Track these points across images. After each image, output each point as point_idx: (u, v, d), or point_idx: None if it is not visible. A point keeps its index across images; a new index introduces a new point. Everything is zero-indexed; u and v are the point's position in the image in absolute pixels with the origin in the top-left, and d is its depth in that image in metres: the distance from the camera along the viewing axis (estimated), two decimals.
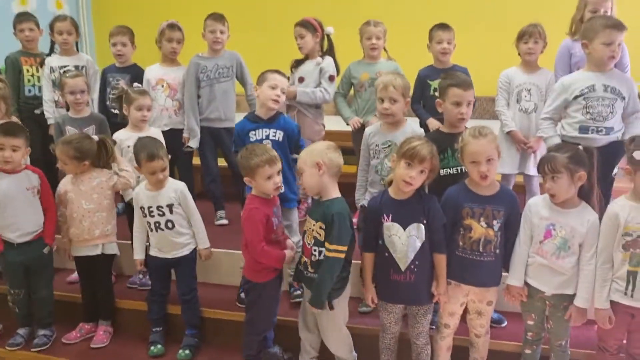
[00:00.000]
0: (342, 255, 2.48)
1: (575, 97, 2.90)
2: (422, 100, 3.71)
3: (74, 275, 3.56)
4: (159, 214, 2.96)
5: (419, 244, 2.49)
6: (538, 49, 3.44)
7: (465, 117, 2.73)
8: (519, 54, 3.55)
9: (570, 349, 2.62)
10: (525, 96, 3.45)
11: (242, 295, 3.24)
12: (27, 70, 4.08)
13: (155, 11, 5.53)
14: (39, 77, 4.07)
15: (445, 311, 2.63)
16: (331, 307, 2.57)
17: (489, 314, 2.64)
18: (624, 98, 2.87)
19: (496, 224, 2.49)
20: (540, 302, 2.55)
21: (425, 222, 2.50)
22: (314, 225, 2.55)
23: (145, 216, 2.97)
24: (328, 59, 3.73)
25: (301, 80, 3.72)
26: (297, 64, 3.78)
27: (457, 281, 2.56)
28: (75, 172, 3.09)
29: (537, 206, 2.50)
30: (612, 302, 2.41)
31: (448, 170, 2.74)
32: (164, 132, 3.64)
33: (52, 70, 4.01)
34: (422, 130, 3.10)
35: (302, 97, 3.63)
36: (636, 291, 2.35)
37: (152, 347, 3.12)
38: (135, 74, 4.01)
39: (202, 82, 3.84)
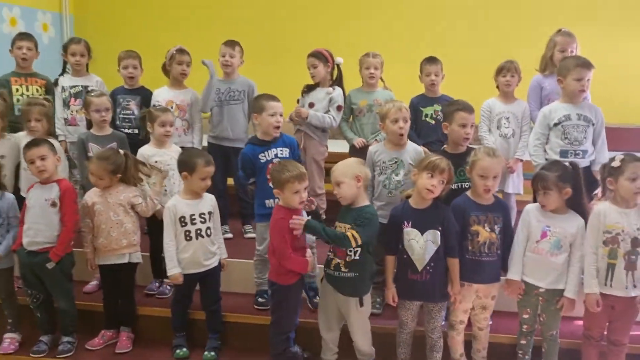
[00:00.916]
0: (353, 243, 2.80)
1: (555, 125, 3.39)
2: (415, 126, 4.09)
3: (90, 286, 3.73)
4: (200, 221, 3.17)
5: (434, 248, 2.88)
6: (514, 82, 3.94)
7: (469, 138, 3.18)
8: (497, 87, 4.06)
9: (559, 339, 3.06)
10: (505, 123, 3.91)
11: (260, 299, 3.53)
12: (17, 90, 4.16)
13: (134, 34, 5.81)
14: (27, 97, 4.13)
15: (459, 310, 3.02)
16: (361, 304, 2.91)
17: (492, 308, 3.05)
18: (593, 124, 3.40)
19: (497, 228, 2.93)
20: (535, 298, 2.98)
21: (440, 229, 2.89)
22: (348, 229, 2.87)
23: (185, 225, 3.14)
24: (338, 90, 4.07)
25: (311, 105, 4.05)
26: (309, 89, 4.11)
27: (469, 282, 2.96)
28: (108, 186, 3.29)
29: (533, 211, 2.95)
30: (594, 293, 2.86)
31: (450, 186, 3.13)
32: None
33: (63, 89, 4.19)
34: (421, 148, 3.50)
35: (313, 119, 3.97)
36: (614, 281, 2.82)
37: (178, 351, 3.32)
38: (144, 95, 4.23)
39: (213, 102, 4.14)
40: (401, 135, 3.29)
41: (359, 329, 3.00)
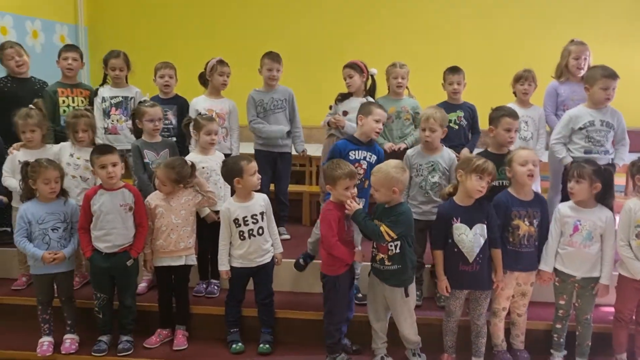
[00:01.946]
0: (388, 238, 3.06)
1: (580, 129, 3.69)
2: None
3: (140, 287, 3.87)
4: (253, 222, 3.38)
5: (482, 240, 3.15)
6: (531, 90, 4.26)
7: (513, 141, 3.48)
8: (514, 93, 4.36)
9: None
10: (524, 127, 4.20)
11: (301, 261, 3.80)
12: (63, 102, 4.34)
13: (146, 44, 6.02)
14: (73, 107, 4.30)
15: (502, 297, 3.29)
16: (407, 295, 3.16)
17: (530, 295, 3.33)
18: (614, 128, 3.71)
19: (535, 222, 3.22)
20: (571, 286, 3.26)
21: (486, 222, 3.15)
22: (382, 226, 3.11)
23: (240, 226, 3.36)
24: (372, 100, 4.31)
25: (345, 113, 4.27)
26: (343, 98, 4.34)
27: (510, 270, 3.23)
28: (171, 193, 3.47)
29: (565, 208, 3.24)
30: (627, 278, 3.16)
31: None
32: None
33: (103, 100, 4.34)
34: (454, 154, 3.76)
35: (349, 129, 4.18)
36: None
37: (234, 345, 3.50)
38: (181, 104, 4.42)
39: (259, 114, 4.38)
40: (426, 142, 3.57)
41: (406, 319, 3.24)
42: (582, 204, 3.18)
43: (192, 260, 3.58)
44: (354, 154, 3.57)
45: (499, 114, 3.50)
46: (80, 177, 3.79)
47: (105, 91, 4.37)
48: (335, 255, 3.21)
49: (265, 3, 6.48)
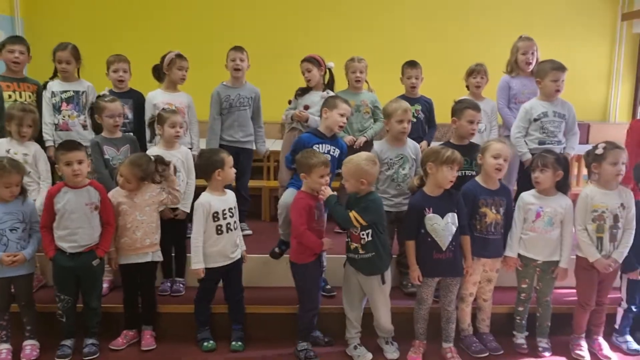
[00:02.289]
0: (357, 224, 3.15)
1: (535, 120, 3.87)
2: None
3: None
4: (229, 215, 3.34)
5: (454, 229, 3.25)
6: (484, 83, 4.43)
7: (474, 133, 3.59)
8: (467, 87, 4.52)
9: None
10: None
11: (276, 249, 3.74)
12: (10, 96, 4.09)
13: (84, 36, 5.75)
14: (22, 103, 4.02)
15: (470, 282, 3.41)
16: (383, 282, 3.24)
17: (495, 280, 3.48)
18: (566, 119, 3.92)
19: (501, 210, 3.36)
20: (532, 270, 3.43)
21: (456, 211, 3.25)
22: (355, 215, 3.17)
23: (217, 220, 3.29)
24: (333, 94, 4.33)
25: (306, 107, 4.29)
26: (303, 92, 4.36)
27: (477, 256, 3.35)
28: (135, 190, 3.36)
29: (528, 197, 3.40)
30: (583, 260, 3.35)
31: None
32: None
33: (53, 94, 4.12)
34: (416, 144, 3.86)
35: (312, 122, 4.20)
36: (602, 251, 3.32)
37: (205, 343, 3.44)
38: (137, 98, 4.28)
39: (224, 110, 4.32)
40: (403, 133, 3.65)
41: (382, 306, 3.31)
42: (544, 192, 3.35)
43: (159, 256, 3.48)
44: (318, 147, 3.59)
45: (461, 106, 3.61)
46: None
47: (55, 85, 4.15)
48: (304, 244, 3.24)
49: None
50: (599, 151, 3.25)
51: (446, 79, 4.90)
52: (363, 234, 3.19)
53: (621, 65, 6.70)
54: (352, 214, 3.14)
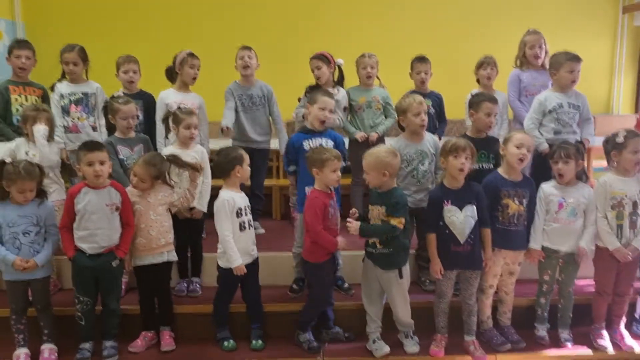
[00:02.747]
0: (402, 226, 3.13)
1: (550, 112, 3.85)
2: None
3: None
4: (248, 212, 3.33)
5: (472, 222, 3.22)
6: (494, 74, 4.43)
7: (492, 125, 3.57)
8: (477, 81, 4.52)
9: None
10: None
11: (294, 286, 3.70)
12: (16, 100, 4.06)
13: (86, 40, 5.69)
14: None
15: (490, 274, 3.38)
16: (401, 276, 3.21)
17: (517, 273, 3.45)
18: (580, 109, 3.90)
19: (524, 202, 3.33)
20: (555, 261, 3.41)
21: (475, 203, 3.23)
22: (379, 209, 3.16)
23: (240, 216, 3.25)
24: (342, 92, 4.32)
25: None
26: (312, 90, 4.26)
27: (499, 248, 3.33)
28: (149, 189, 3.33)
29: (549, 188, 3.38)
30: (606, 250, 3.34)
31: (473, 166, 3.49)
32: None
33: (61, 96, 4.09)
34: (436, 137, 3.83)
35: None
36: (622, 238, 3.31)
37: (225, 343, 3.40)
38: (147, 99, 4.25)
39: (238, 108, 4.29)
40: (422, 126, 3.61)
41: (400, 301, 3.28)
42: (565, 182, 3.33)
43: (174, 256, 3.45)
44: (308, 144, 3.58)
45: (479, 99, 3.59)
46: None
47: (63, 87, 4.12)
48: (320, 244, 3.21)
49: None
50: (620, 139, 3.25)
51: (453, 75, 4.89)
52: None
53: (623, 58, 6.71)
54: (398, 221, 3.11)
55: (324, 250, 3.24)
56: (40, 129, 3.51)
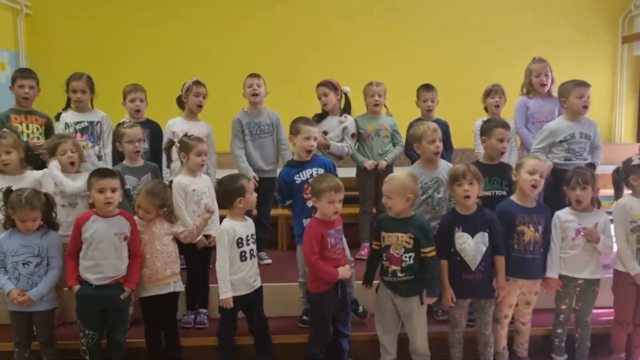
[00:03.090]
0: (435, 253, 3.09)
1: (560, 142, 3.83)
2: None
3: None
4: (252, 242, 3.24)
5: (484, 249, 3.16)
6: (502, 102, 4.44)
7: (505, 151, 3.53)
8: (485, 109, 4.52)
9: None
10: None
11: (304, 317, 3.62)
12: (17, 128, 3.98)
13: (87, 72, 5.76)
14: (28, 135, 4.02)
15: (505, 304, 3.29)
16: (422, 302, 3.14)
17: (534, 303, 3.36)
18: (591, 139, 3.88)
19: (540, 229, 3.27)
20: (572, 289, 3.33)
21: (487, 230, 3.17)
22: (401, 237, 3.10)
23: (242, 246, 3.18)
24: (350, 119, 4.31)
25: (325, 133, 4.22)
26: (319, 118, 4.29)
27: (515, 277, 3.25)
28: (154, 219, 3.26)
29: (565, 214, 3.32)
30: (622, 274, 3.27)
31: (484, 192, 3.44)
32: None
33: (67, 125, 4.06)
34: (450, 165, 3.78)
35: (334, 149, 4.17)
36: None
37: None
38: (153, 128, 4.21)
39: (245, 137, 4.25)
40: (437, 153, 3.58)
41: (419, 328, 3.18)
42: (582, 208, 3.29)
43: (180, 286, 3.36)
44: (299, 177, 3.52)
45: (491, 125, 3.57)
46: (70, 204, 3.48)
47: (69, 116, 4.09)
48: (317, 274, 3.14)
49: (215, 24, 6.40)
50: (636, 162, 3.22)
51: (458, 103, 4.90)
52: (405, 257, 3.10)
53: (624, 87, 6.75)
54: (431, 251, 3.08)
55: (321, 280, 3.16)
56: (52, 166, 3.46)
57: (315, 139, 3.56)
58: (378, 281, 3.30)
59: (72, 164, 3.50)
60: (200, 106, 4.16)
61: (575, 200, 3.26)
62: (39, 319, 3.14)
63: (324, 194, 3.09)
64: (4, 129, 3.57)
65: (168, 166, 3.90)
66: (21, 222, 3.05)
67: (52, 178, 3.43)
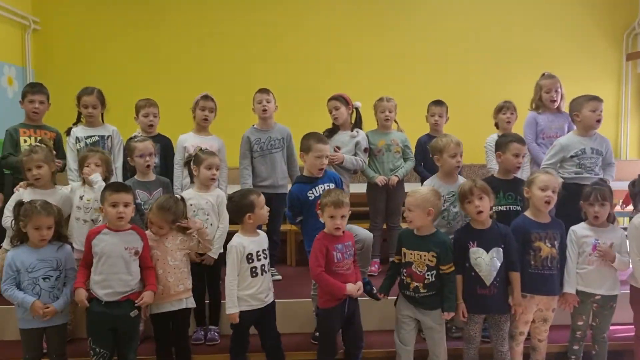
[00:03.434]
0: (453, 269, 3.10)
1: (571, 157, 3.81)
2: (424, 162, 4.44)
3: None
4: (263, 257, 3.19)
5: (499, 264, 3.13)
6: (513, 119, 4.44)
7: (520, 166, 3.52)
8: (496, 125, 4.52)
9: None
10: None
11: (317, 333, 3.55)
12: (25, 141, 4.02)
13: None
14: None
15: (521, 321, 3.25)
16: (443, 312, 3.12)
17: (551, 320, 3.32)
18: (603, 155, 3.87)
19: (556, 244, 3.24)
20: (589, 305, 3.30)
21: (502, 246, 3.15)
22: (424, 256, 3.07)
23: (252, 262, 3.13)
24: (362, 133, 4.30)
25: (338, 149, 4.22)
26: (330, 133, 4.29)
27: (532, 294, 3.21)
28: (167, 234, 3.22)
29: (581, 230, 3.30)
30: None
31: (499, 207, 3.44)
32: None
33: (77, 140, 4.04)
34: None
35: (347, 163, 4.15)
36: None
37: None
38: (165, 143, 4.19)
39: (255, 153, 4.24)
40: (457, 167, 3.56)
41: (441, 340, 3.16)
42: (597, 223, 3.27)
43: (192, 302, 3.30)
44: (312, 193, 3.50)
45: (506, 140, 3.55)
46: (92, 220, 3.46)
47: (79, 131, 4.08)
48: (323, 287, 3.13)
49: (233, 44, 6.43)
50: None
51: (465, 120, 4.90)
52: (428, 275, 3.08)
53: (629, 104, 6.77)
54: (449, 268, 3.07)
55: (329, 295, 3.13)
56: (96, 179, 3.47)
57: (327, 156, 3.54)
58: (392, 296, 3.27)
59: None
60: (206, 119, 4.15)
61: (594, 216, 3.24)
62: (53, 334, 3.08)
63: (325, 209, 3.10)
64: (36, 143, 3.58)
65: (192, 181, 3.85)
66: (36, 229, 2.99)
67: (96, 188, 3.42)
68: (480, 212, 3.12)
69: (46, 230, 3.02)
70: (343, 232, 3.17)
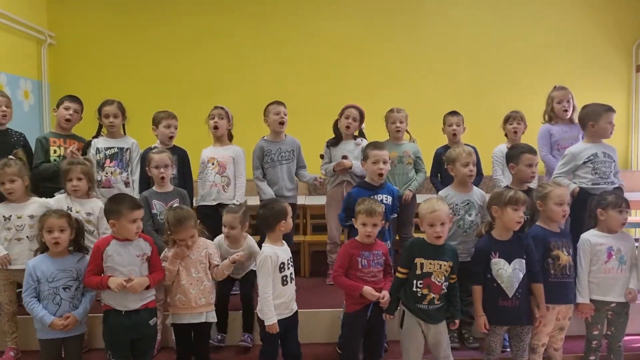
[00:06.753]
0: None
1: (584, 162, 3.82)
2: (440, 174, 4.45)
3: None
4: (291, 265, 3.22)
5: (521, 275, 3.13)
6: (521, 128, 4.46)
7: (534, 176, 3.53)
8: (505, 135, 4.54)
9: None
10: None
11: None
12: (55, 151, 4.12)
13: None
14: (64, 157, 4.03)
15: (543, 333, 3.26)
16: (450, 327, 3.17)
17: (567, 328, 3.33)
18: (614, 161, 3.88)
19: (571, 252, 3.26)
20: (604, 314, 3.31)
21: (525, 257, 3.16)
22: (443, 265, 3.08)
23: (283, 270, 3.14)
24: (365, 142, 4.30)
25: (344, 157, 4.29)
26: (335, 142, 4.38)
27: (552, 304, 3.21)
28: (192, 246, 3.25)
29: (594, 237, 3.31)
30: None
31: None
32: (212, 206, 4.08)
33: (97, 151, 4.11)
34: (482, 192, 3.75)
35: (356, 169, 4.21)
36: None
37: None
38: (181, 155, 4.22)
39: (266, 164, 4.30)
40: (470, 176, 3.59)
41: (449, 351, 3.16)
42: (608, 230, 3.30)
43: (213, 317, 3.30)
44: None
45: (517, 151, 3.58)
46: (86, 231, 3.46)
47: (100, 142, 4.16)
48: (340, 287, 3.23)
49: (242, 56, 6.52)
50: None
51: (479, 131, 4.93)
52: (445, 285, 3.09)
53: (639, 115, 6.80)
54: (448, 265, 3.08)
55: (351, 298, 3.18)
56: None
57: (385, 161, 3.59)
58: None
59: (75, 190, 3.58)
60: (216, 127, 4.22)
61: (620, 224, 3.27)
62: (71, 344, 3.11)
63: (358, 216, 3.16)
64: (10, 156, 3.63)
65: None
66: (48, 232, 3.01)
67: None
68: (520, 222, 3.14)
69: (58, 233, 3.03)
70: (375, 240, 3.22)
